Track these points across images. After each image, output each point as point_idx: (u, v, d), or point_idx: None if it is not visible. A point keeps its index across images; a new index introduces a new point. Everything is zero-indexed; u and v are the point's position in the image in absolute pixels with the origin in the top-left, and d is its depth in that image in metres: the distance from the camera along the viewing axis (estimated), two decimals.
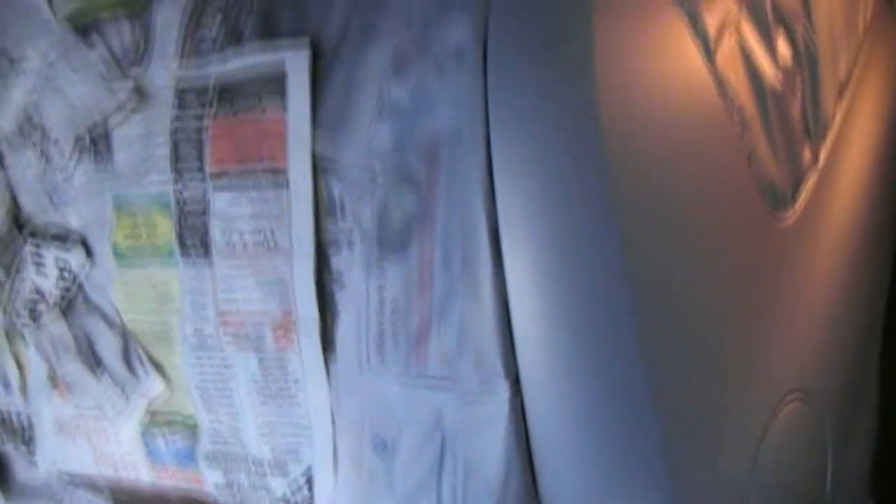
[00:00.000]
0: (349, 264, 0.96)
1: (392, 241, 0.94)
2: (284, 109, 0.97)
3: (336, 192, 0.96)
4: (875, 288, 1.63)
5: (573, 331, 0.93)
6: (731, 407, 1.05)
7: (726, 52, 1.17)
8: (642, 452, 0.95)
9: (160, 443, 1.13)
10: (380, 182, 0.94)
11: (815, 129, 1.40)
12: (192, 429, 1.10)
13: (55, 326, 1.16)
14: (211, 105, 1.00)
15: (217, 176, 1.00)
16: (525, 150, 0.92)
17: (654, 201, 0.99)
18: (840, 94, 1.57)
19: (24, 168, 1.17)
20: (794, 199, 1.30)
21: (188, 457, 1.12)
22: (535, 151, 0.92)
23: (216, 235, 1.01)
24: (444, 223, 0.92)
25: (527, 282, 0.92)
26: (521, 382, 0.93)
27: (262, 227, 0.99)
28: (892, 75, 1.90)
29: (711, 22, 1.15)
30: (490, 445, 0.93)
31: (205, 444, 1.10)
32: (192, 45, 1.03)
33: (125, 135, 1.08)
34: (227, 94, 1.00)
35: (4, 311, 1.19)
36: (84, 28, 1.14)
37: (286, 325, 1.00)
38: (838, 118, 1.53)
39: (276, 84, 0.98)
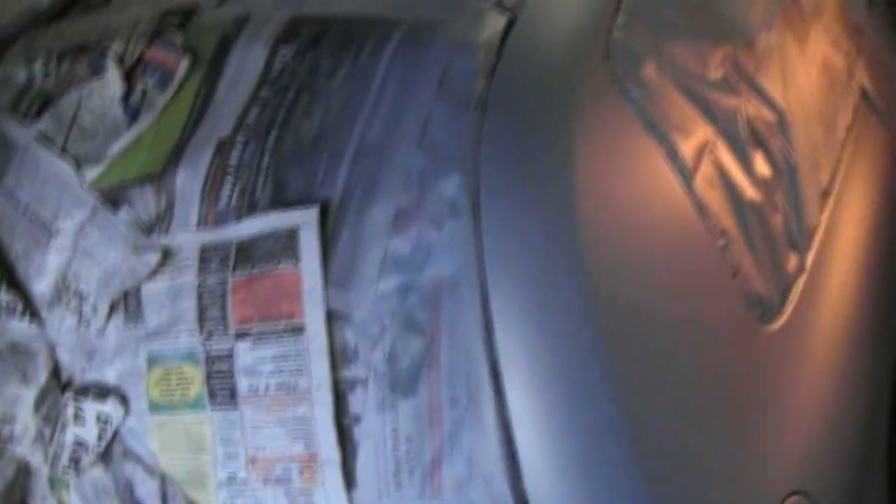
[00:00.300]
0: (364, 404, 1.05)
1: (402, 383, 1.03)
2: (298, 266, 1.07)
3: (350, 341, 1.06)
4: (875, 384, 1.68)
5: (574, 455, 1.01)
6: None
7: (704, 175, 1.27)
8: None
9: None
10: (389, 330, 1.04)
11: (799, 237, 1.49)
12: None
13: (95, 473, 1.24)
14: (232, 266, 1.11)
15: (241, 331, 1.10)
16: (519, 290, 1.02)
17: (643, 325, 1.09)
18: (823, 200, 1.66)
19: (62, 328, 1.27)
20: (781, 306, 1.38)
21: None
22: (528, 291, 1.02)
23: (242, 384, 1.11)
24: (449, 364, 1.01)
25: (528, 413, 1.01)
26: None
27: (285, 376, 1.08)
28: (876, 174, 1.99)
29: (688, 150, 1.25)
30: None
31: None
32: (212, 214, 1.14)
33: (154, 293, 1.18)
34: (246, 255, 1.10)
35: (49, 461, 1.28)
36: (111, 196, 1.25)
37: (311, 464, 1.09)
38: (823, 224, 1.62)
39: (289, 243, 1.08)
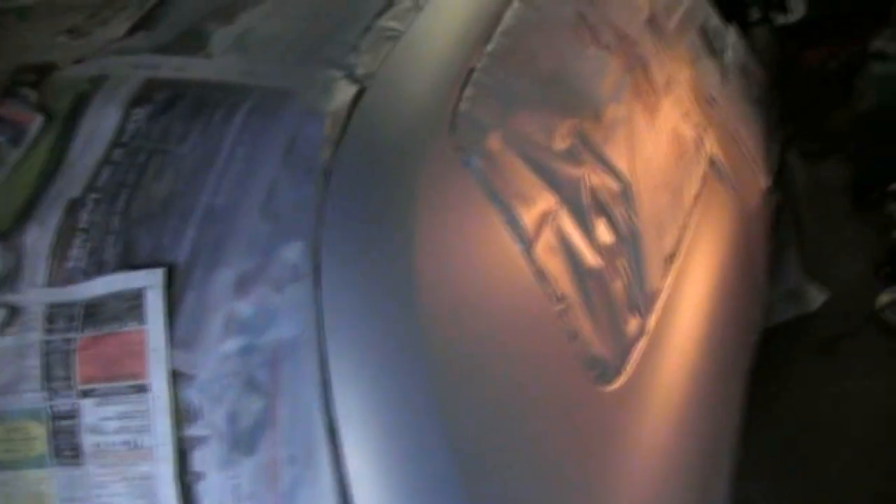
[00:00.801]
0: (206, 462, 1.08)
1: (243, 442, 1.06)
2: (144, 327, 1.10)
3: (194, 400, 1.09)
4: (719, 440, 1.76)
5: None
6: None
7: (545, 243, 1.34)
8: None
9: None
10: (231, 390, 1.07)
11: (641, 302, 1.56)
12: None
13: None
14: (79, 326, 1.12)
15: (87, 389, 1.12)
16: (356, 353, 1.06)
17: (479, 388, 1.14)
18: (667, 265, 1.74)
19: None
20: (620, 367, 1.45)
21: None
22: (365, 354, 1.07)
23: (87, 442, 1.12)
24: (288, 425, 1.05)
25: (365, 472, 1.05)
26: None
27: (129, 434, 1.10)
28: (724, 238, 2.09)
29: (529, 218, 1.31)
30: None
31: None
32: (60, 273, 1.16)
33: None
34: (93, 314, 1.12)
35: None
36: None
37: None
38: (666, 289, 1.69)
39: (136, 304, 1.11)
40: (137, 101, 1.25)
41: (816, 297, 3.62)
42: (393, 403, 1.05)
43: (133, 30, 1.45)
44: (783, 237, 3.50)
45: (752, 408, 2.23)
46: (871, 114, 4.08)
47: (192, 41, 1.36)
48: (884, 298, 3.59)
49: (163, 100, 1.24)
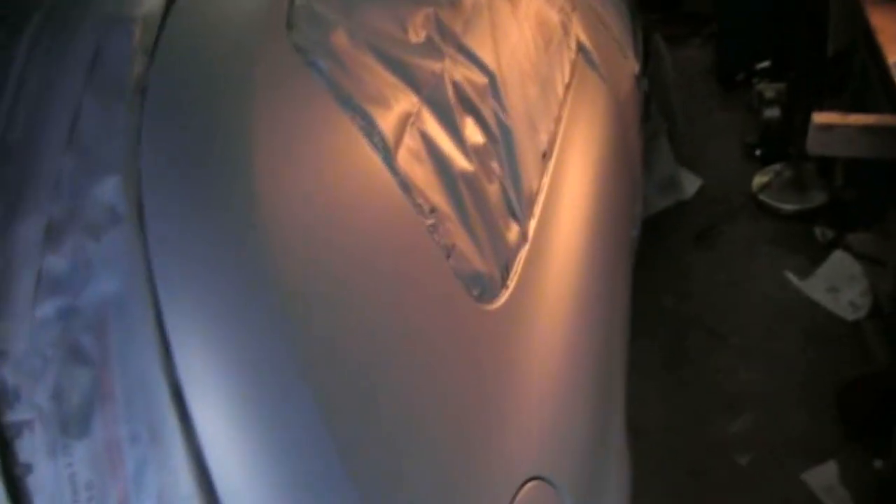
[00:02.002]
0: (34, 450, 0.90)
1: (74, 422, 0.89)
2: None
3: (8, 380, 0.90)
4: (610, 351, 1.65)
5: (280, 474, 0.90)
6: None
7: (409, 150, 1.18)
8: None
9: None
10: (52, 363, 0.89)
11: (519, 207, 1.42)
12: None
13: None
14: None
15: None
16: (196, 303, 0.89)
17: (344, 319, 0.98)
18: (544, 163, 1.60)
19: None
20: (504, 282, 1.30)
21: None
22: (206, 304, 0.89)
23: None
24: (125, 397, 0.88)
25: (222, 438, 0.88)
26: None
27: None
28: (597, 127, 1.96)
29: (387, 124, 1.15)
30: None
31: None
32: None
33: None
34: None
35: None
36: None
37: None
38: (544, 190, 1.56)
39: None
40: None
41: (691, 185, 3.57)
42: (246, 357, 0.88)
43: None
44: (654, 126, 3.42)
45: (637, 303, 2.16)
46: None
47: None
48: (759, 180, 3.56)
49: None
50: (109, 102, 0.94)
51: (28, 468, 0.90)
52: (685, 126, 3.71)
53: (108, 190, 0.91)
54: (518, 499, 1.13)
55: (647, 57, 3.26)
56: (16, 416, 0.90)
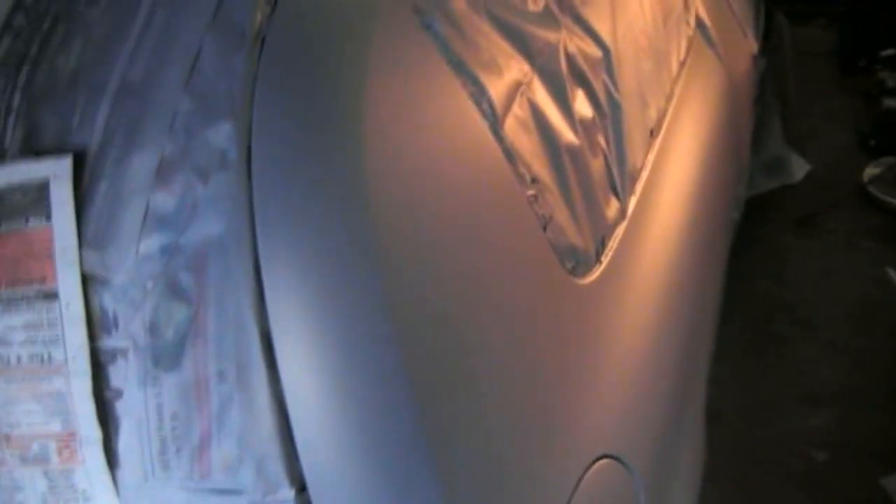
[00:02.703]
0: (126, 377, 0.94)
1: (166, 356, 0.92)
2: (49, 224, 0.94)
3: (109, 308, 0.94)
4: (697, 335, 1.64)
5: (356, 433, 0.92)
6: (527, 483, 1.05)
7: (517, 118, 1.18)
8: None
9: None
10: (151, 296, 0.92)
11: (621, 182, 1.42)
12: None
13: None
14: None
15: None
16: (294, 255, 0.91)
17: (437, 287, 0.99)
18: (651, 139, 1.59)
19: None
20: (598, 257, 1.31)
21: None
22: (303, 254, 0.91)
23: None
24: (216, 336, 0.90)
25: (304, 389, 0.91)
26: (308, 487, 0.92)
27: (38, 346, 0.96)
28: (709, 108, 1.94)
29: (497, 92, 1.15)
30: None
31: None
32: None
33: None
34: None
35: None
36: None
37: (70, 443, 0.97)
38: (649, 165, 1.55)
39: (39, 197, 0.95)
40: None
41: (799, 169, 3.49)
42: (337, 310, 0.90)
43: None
44: (767, 105, 3.35)
45: (729, 284, 2.13)
46: None
47: None
48: (870, 171, 3.47)
49: None
50: (229, 49, 0.96)
51: (118, 393, 0.94)
52: (799, 108, 3.62)
53: (220, 134, 0.93)
54: (588, 475, 1.14)
55: (768, 34, 3.19)
56: (112, 342, 0.94)
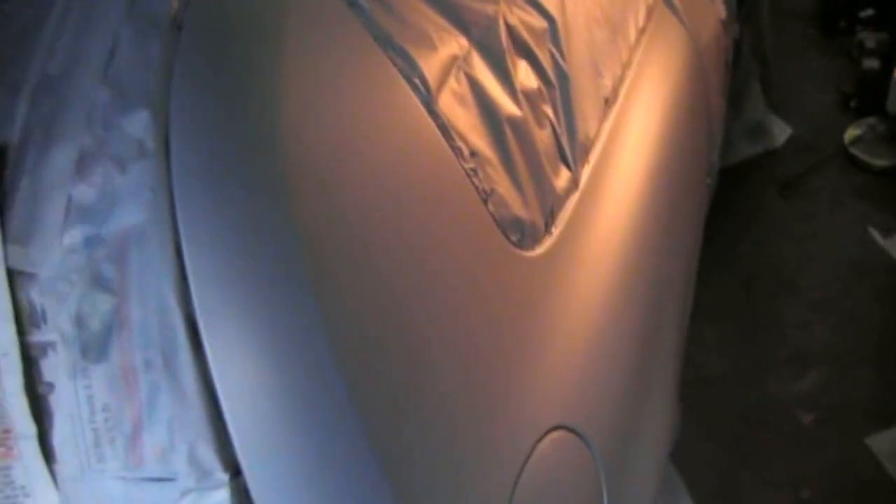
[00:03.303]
0: (56, 371, 0.94)
1: (93, 347, 0.92)
2: None
3: (37, 302, 0.94)
4: (662, 303, 1.63)
5: (286, 411, 0.92)
6: (474, 457, 1.05)
7: (453, 92, 1.17)
8: None
9: None
10: (76, 288, 0.92)
11: (572, 151, 1.41)
12: None
13: None
14: None
15: None
16: (216, 239, 0.91)
17: (361, 261, 0.98)
18: (606, 108, 1.58)
19: None
20: (548, 228, 1.30)
21: None
22: (225, 237, 0.91)
23: None
24: (141, 325, 0.90)
25: (232, 370, 0.91)
26: (243, 470, 0.92)
27: None
28: (672, 74, 1.92)
29: (430, 66, 1.14)
30: None
31: None
32: None
33: None
34: None
35: None
36: None
37: (6, 439, 0.97)
38: (604, 134, 1.54)
39: None
40: None
41: (781, 133, 3.48)
42: (262, 290, 0.90)
43: None
44: (745, 69, 3.34)
45: (711, 249, 2.13)
46: None
47: None
48: (852, 132, 3.45)
49: None
50: (145, 37, 0.96)
51: (50, 387, 0.94)
52: (779, 72, 3.60)
53: (138, 123, 0.93)
54: (540, 445, 1.14)
55: None
56: (42, 336, 0.94)
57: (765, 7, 3.51)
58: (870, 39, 3.59)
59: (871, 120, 3.47)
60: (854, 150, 3.40)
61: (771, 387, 2.64)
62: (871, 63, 3.52)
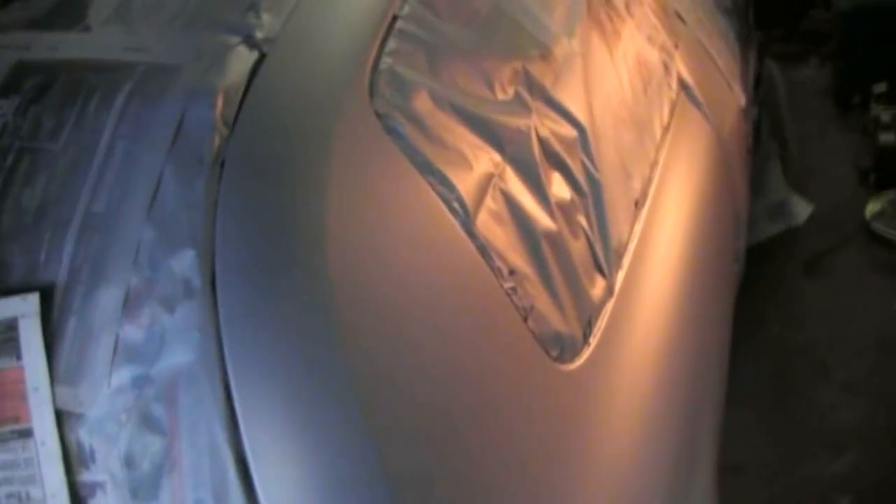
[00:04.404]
0: None
1: (143, 488, 0.92)
2: (20, 361, 0.94)
3: (85, 442, 0.94)
4: (700, 402, 1.62)
5: None
6: None
7: (489, 211, 1.17)
8: None
9: None
10: (125, 429, 0.92)
11: (606, 259, 1.41)
12: None
13: None
14: None
15: None
16: (265, 376, 0.91)
17: (412, 390, 0.99)
18: (637, 210, 1.58)
19: None
20: (586, 339, 1.30)
21: None
22: (275, 376, 0.91)
23: None
24: (192, 466, 0.90)
25: None
26: None
27: (15, 486, 0.96)
28: (698, 170, 1.93)
29: (467, 187, 1.15)
30: None
31: None
32: None
33: None
34: None
35: None
36: None
37: None
38: (636, 237, 1.54)
39: (9, 336, 0.95)
40: (4, 90, 1.07)
41: (802, 211, 3.48)
42: (314, 432, 0.90)
43: (5, 1, 1.27)
44: (765, 150, 3.35)
45: (739, 331, 2.11)
46: (851, 12, 3.88)
47: (69, 11, 1.18)
48: (873, 207, 3.45)
49: (33, 87, 1.07)
50: (189, 175, 0.97)
51: None
52: (798, 150, 3.61)
53: (184, 263, 0.93)
54: None
55: (759, 81, 3.19)
56: (91, 476, 0.94)
57: (781, 88, 3.54)
58: (885, 114, 3.60)
59: (891, 194, 3.47)
60: (876, 226, 3.40)
61: (806, 470, 2.60)
62: (888, 137, 3.53)
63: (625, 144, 1.64)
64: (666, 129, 1.88)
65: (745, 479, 2.54)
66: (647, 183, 1.70)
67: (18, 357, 0.95)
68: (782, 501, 2.54)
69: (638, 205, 1.63)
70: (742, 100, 2.48)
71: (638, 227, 1.60)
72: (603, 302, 1.39)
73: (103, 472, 0.94)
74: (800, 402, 2.84)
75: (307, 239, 0.95)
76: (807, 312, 3.18)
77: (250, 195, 0.96)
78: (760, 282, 3.13)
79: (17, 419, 0.95)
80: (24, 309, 0.95)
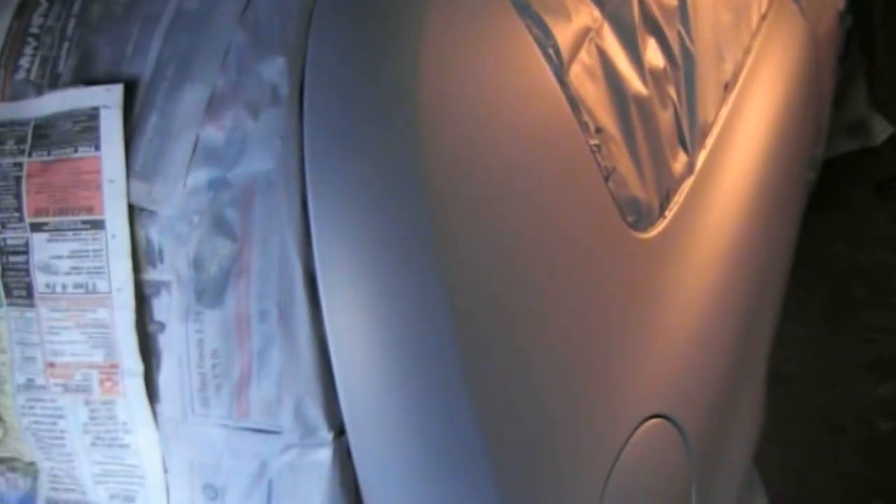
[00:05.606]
0: (169, 311, 0.93)
1: (209, 292, 0.91)
2: (98, 153, 0.93)
3: (155, 240, 0.93)
4: (762, 296, 1.60)
5: (397, 376, 0.90)
6: (574, 440, 1.03)
7: (582, 67, 1.14)
8: (475, 494, 0.93)
9: (2, 485, 1.09)
10: (197, 230, 0.91)
11: (691, 135, 1.37)
12: (33, 473, 1.07)
13: None
14: (28, 148, 0.96)
15: (37, 222, 0.96)
16: (342, 194, 0.89)
17: (488, 232, 0.96)
18: (725, 93, 1.54)
19: None
20: (662, 211, 1.27)
21: (30, 500, 1.08)
22: (352, 195, 0.89)
23: (39, 281, 0.97)
24: (260, 274, 0.89)
25: (347, 329, 0.89)
26: (347, 431, 0.91)
27: (83, 276, 0.95)
28: (790, 65, 1.87)
29: (564, 37, 1.11)
30: (315, 495, 0.91)
31: (46, 489, 1.07)
32: (9, 86, 0.99)
33: None
34: (44, 136, 0.96)
35: None
36: None
37: (112, 374, 0.97)
38: (721, 120, 1.50)
39: (90, 125, 0.94)
40: None
41: (882, 131, 3.38)
42: (385, 250, 0.88)
43: None
44: (851, 64, 3.25)
45: (801, 244, 2.08)
46: None
47: None
48: None
49: None
50: None
51: (161, 327, 0.93)
52: (887, 68, 3.50)
53: (273, 69, 0.91)
54: (638, 433, 1.11)
55: None
56: (157, 275, 0.93)
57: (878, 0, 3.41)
58: None
59: None
60: None
61: (851, 391, 2.58)
62: None
63: (721, 25, 1.59)
64: (763, 18, 1.83)
65: (788, 392, 2.52)
66: (739, 68, 1.66)
67: (97, 147, 0.94)
68: (824, 417, 2.52)
69: (727, 88, 1.59)
70: (841, 4, 2.39)
71: (724, 111, 1.55)
72: (683, 178, 1.36)
73: (170, 272, 0.93)
74: (851, 324, 2.80)
75: (401, 61, 0.92)
76: (871, 234, 3.12)
77: (347, 9, 0.93)
78: (829, 198, 3.07)
79: (90, 209, 0.94)
80: (107, 100, 0.94)
